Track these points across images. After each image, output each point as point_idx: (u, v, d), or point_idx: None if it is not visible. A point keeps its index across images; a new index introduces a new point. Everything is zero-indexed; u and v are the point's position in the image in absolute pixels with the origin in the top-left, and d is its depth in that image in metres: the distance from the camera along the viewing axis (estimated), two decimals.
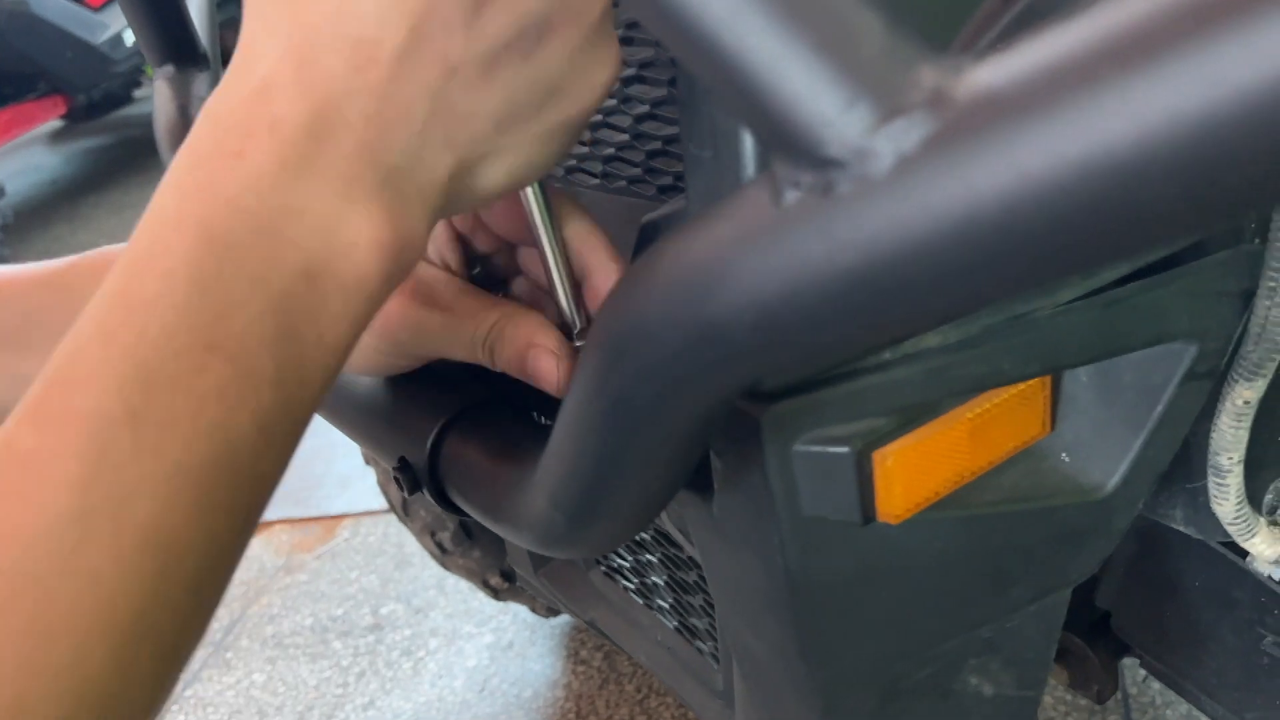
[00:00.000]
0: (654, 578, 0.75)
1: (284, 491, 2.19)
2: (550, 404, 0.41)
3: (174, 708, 1.71)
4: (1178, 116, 0.17)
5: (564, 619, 1.64)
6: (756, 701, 0.56)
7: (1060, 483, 0.46)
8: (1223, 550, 0.62)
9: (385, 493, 1.39)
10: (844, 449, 0.38)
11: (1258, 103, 0.16)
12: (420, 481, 0.50)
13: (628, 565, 0.78)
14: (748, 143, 0.38)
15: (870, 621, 0.45)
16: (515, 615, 1.68)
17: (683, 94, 0.40)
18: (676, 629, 0.75)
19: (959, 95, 0.21)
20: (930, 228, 0.21)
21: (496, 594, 1.43)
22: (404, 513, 1.33)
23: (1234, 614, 0.62)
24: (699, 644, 0.72)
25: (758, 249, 0.25)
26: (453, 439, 0.49)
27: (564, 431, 0.36)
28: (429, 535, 1.34)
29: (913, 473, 0.39)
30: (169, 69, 0.81)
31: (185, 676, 1.77)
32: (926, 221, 0.21)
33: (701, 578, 0.66)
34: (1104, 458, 0.46)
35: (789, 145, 0.23)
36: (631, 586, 0.80)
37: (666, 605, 0.75)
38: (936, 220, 0.21)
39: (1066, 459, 0.46)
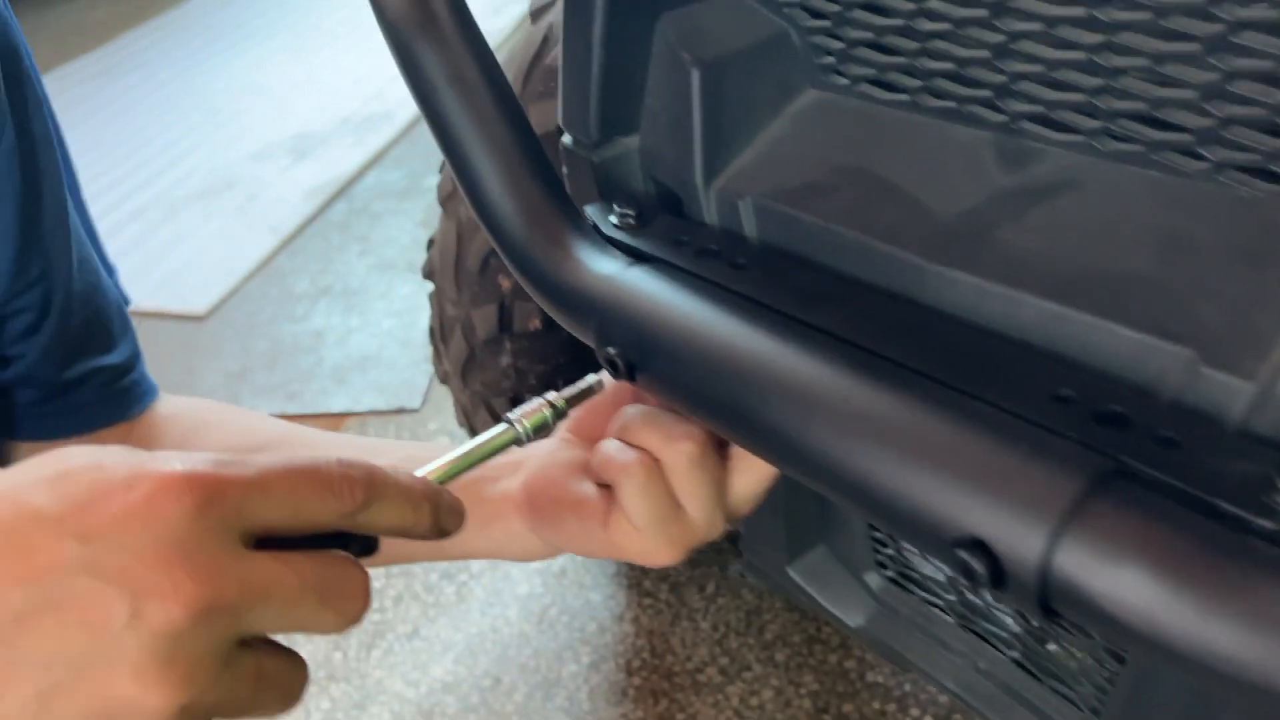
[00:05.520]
0: (986, 597, 0.64)
1: (269, 384, 2.00)
2: None
3: None
4: None
5: None
6: None
7: None
8: None
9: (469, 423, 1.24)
10: None
11: None
12: (1008, 577, 0.37)
13: (940, 579, 0.67)
14: None
15: None
16: None
17: None
18: (1017, 662, 0.65)
19: None
20: None
21: None
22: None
23: None
24: (1054, 684, 0.62)
25: None
26: (1103, 517, 0.35)
27: None
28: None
29: None
30: None
31: None
32: None
33: None
34: None
35: None
36: (939, 602, 0.69)
37: (1005, 633, 0.64)
38: None
39: None
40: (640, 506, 0.53)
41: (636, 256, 0.56)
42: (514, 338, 1.13)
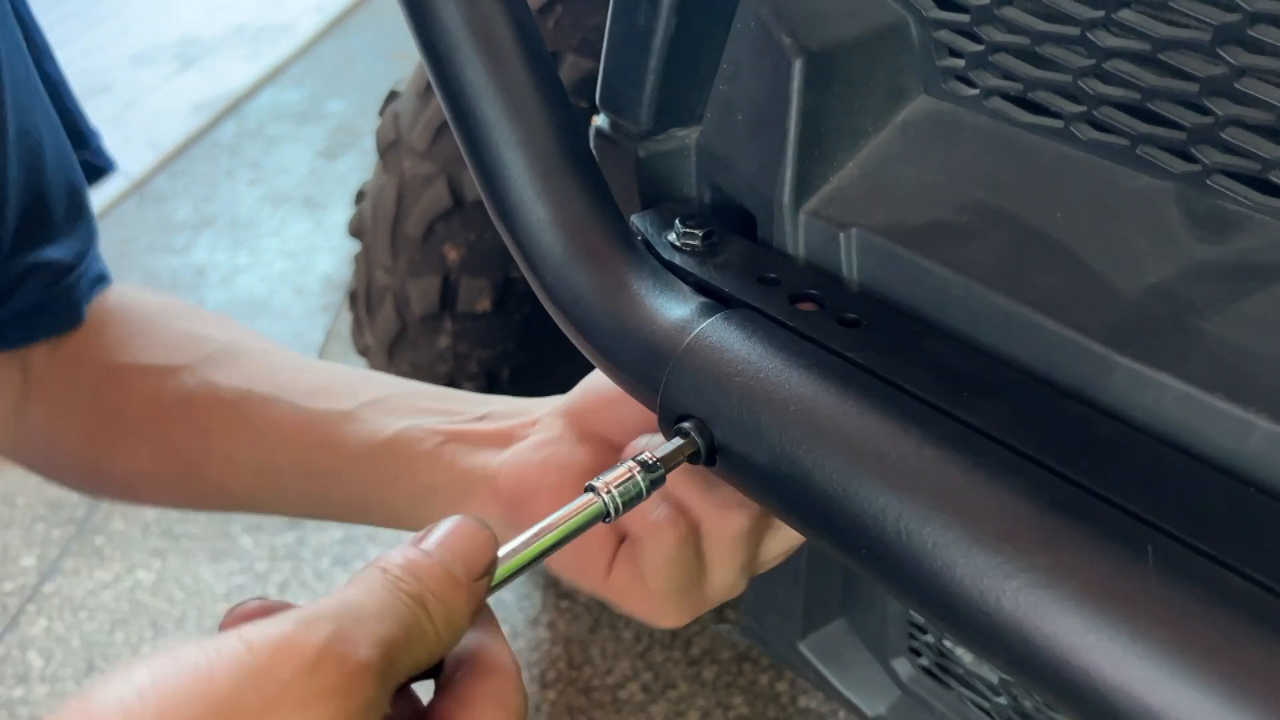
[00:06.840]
0: (1048, 710, 0.55)
1: None
2: None
3: (30, 606, 1.36)
4: None
5: None
6: None
7: None
8: None
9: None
10: None
11: None
12: None
13: (992, 679, 0.58)
14: None
15: None
16: None
17: None
18: None
19: None
20: None
21: None
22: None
23: None
24: None
25: None
26: None
27: None
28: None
29: None
30: None
31: (42, 567, 1.41)
32: None
33: None
34: None
35: None
36: (984, 704, 0.59)
37: None
38: None
39: None
40: (661, 575, 0.44)
41: (709, 294, 0.43)
42: (456, 317, 0.98)
